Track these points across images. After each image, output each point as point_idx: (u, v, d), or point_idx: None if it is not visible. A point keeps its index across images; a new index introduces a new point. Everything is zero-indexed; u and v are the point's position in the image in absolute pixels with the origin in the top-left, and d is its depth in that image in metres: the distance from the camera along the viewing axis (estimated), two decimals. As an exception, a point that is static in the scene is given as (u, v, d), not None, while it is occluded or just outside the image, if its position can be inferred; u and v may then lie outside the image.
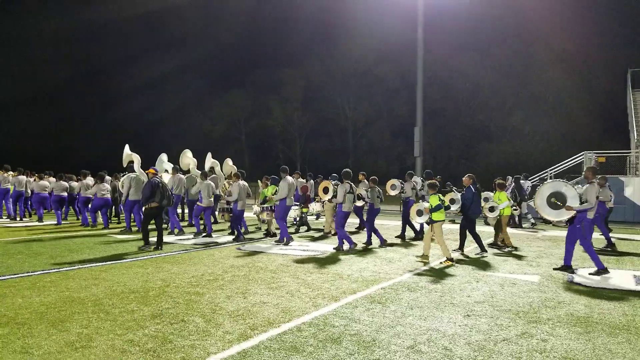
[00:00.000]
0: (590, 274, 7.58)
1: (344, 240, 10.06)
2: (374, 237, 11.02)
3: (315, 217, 17.03)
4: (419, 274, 7.44)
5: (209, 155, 15.82)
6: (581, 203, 7.53)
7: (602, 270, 7.50)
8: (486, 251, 9.81)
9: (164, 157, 14.63)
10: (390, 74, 44.82)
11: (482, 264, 8.45)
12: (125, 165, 13.76)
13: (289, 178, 11.12)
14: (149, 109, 50.83)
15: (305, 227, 14.05)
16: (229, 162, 15.90)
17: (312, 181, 15.56)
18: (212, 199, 12.43)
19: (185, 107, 52.68)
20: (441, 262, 8.59)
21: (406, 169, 18.05)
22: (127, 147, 14.06)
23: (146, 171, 10.55)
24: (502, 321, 4.92)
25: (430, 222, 8.95)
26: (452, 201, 10.77)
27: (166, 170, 14.05)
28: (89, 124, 51.35)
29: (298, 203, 13.47)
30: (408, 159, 38.63)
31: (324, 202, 12.63)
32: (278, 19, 51.88)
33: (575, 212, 7.54)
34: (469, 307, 5.46)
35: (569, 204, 7.58)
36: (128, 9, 50.48)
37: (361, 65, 46.02)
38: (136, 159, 13.66)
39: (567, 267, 7.93)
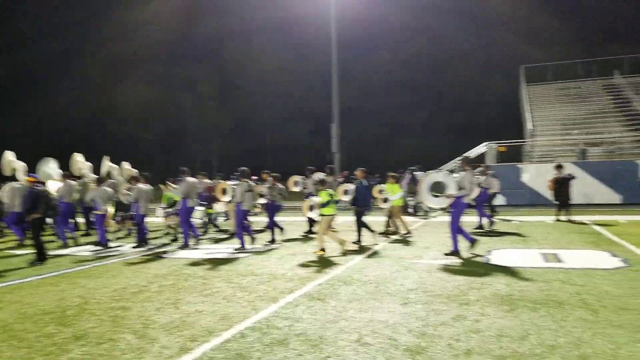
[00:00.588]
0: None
1: (244, 238, 10.10)
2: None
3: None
4: (350, 268, 7.57)
5: (105, 159, 14.89)
6: (459, 190, 8.35)
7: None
8: (359, 242, 10.21)
9: (51, 162, 13.26)
10: (307, 71, 45.27)
11: (406, 253, 8.78)
12: (7, 173, 12.65)
13: (190, 179, 10.87)
14: (51, 106, 46.88)
15: (215, 228, 13.86)
16: (126, 165, 15.03)
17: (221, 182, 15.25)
18: (107, 207, 11.58)
19: (89, 104, 49.19)
20: (314, 252, 9.12)
21: (324, 166, 18.28)
22: (7, 153, 12.93)
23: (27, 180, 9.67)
24: (437, 306, 5.15)
25: (322, 216, 9.27)
26: (346, 192, 11.26)
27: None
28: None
29: (205, 203, 13.24)
30: (326, 155, 39.20)
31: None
32: (191, 13, 50.11)
33: (454, 198, 8.35)
34: (404, 295, 5.65)
35: (448, 192, 8.42)
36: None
37: (277, 62, 45.97)
38: (20, 166, 12.65)
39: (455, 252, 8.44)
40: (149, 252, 10.07)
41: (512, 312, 4.81)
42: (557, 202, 13.92)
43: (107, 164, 14.82)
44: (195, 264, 8.49)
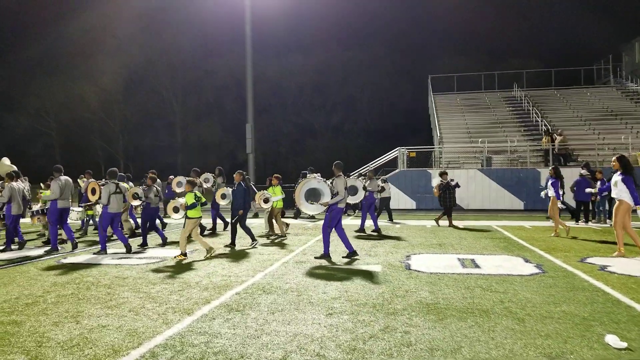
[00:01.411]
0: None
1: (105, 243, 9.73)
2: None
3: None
4: (270, 274, 7.22)
5: None
6: (334, 196, 8.49)
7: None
8: (256, 241, 10.47)
9: None
10: (220, 70, 43.92)
11: (326, 258, 8.60)
12: None
13: (63, 177, 10.17)
14: None
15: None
16: (6, 161, 13.92)
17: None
18: None
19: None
20: (175, 257, 8.84)
21: (238, 167, 17.80)
22: None
23: None
24: (363, 316, 4.96)
25: (186, 218, 9.15)
26: (224, 196, 11.60)
27: None
28: None
29: (83, 205, 12.61)
30: (239, 155, 38.42)
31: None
32: (94, 2, 46.47)
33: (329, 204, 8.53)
34: (328, 305, 5.41)
35: (323, 199, 8.64)
36: None
37: (189, 58, 44.11)
38: None
39: (326, 256, 8.61)
40: (49, 258, 8.99)
41: (441, 322, 4.73)
42: (442, 207, 14.38)
43: None
44: (99, 271, 7.67)
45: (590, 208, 15.03)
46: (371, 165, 23.12)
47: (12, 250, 10.06)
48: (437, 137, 26.45)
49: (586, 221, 14.62)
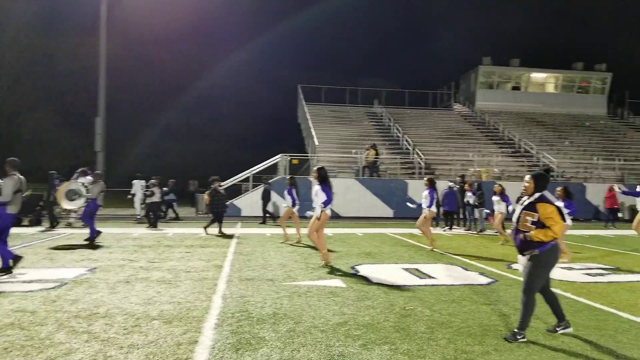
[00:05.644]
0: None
1: None
2: None
3: None
4: (230, 298, 6.02)
5: None
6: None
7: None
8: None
9: None
10: (63, 54, 38.41)
11: (271, 274, 7.65)
12: None
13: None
14: None
15: None
16: None
17: None
18: None
19: None
20: None
21: (80, 165, 15.20)
22: None
23: None
24: (405, 345, 4.29)
25: None
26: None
27: None
28: None
29: None
30: (84, 153, 33.84)
31: None
32: None
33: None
34: (346, 332, 4.56)
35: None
36: None
37: (23, 36, 37.73)
38: None
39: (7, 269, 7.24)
40: None
41: (500, 353, 4.32)
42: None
43: None
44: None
45: (462, 216, 16.50)
46: (254, 170, 22.10)
47: None
48: (312, 145, 26.52)
49: (450, 228, 15.88)
